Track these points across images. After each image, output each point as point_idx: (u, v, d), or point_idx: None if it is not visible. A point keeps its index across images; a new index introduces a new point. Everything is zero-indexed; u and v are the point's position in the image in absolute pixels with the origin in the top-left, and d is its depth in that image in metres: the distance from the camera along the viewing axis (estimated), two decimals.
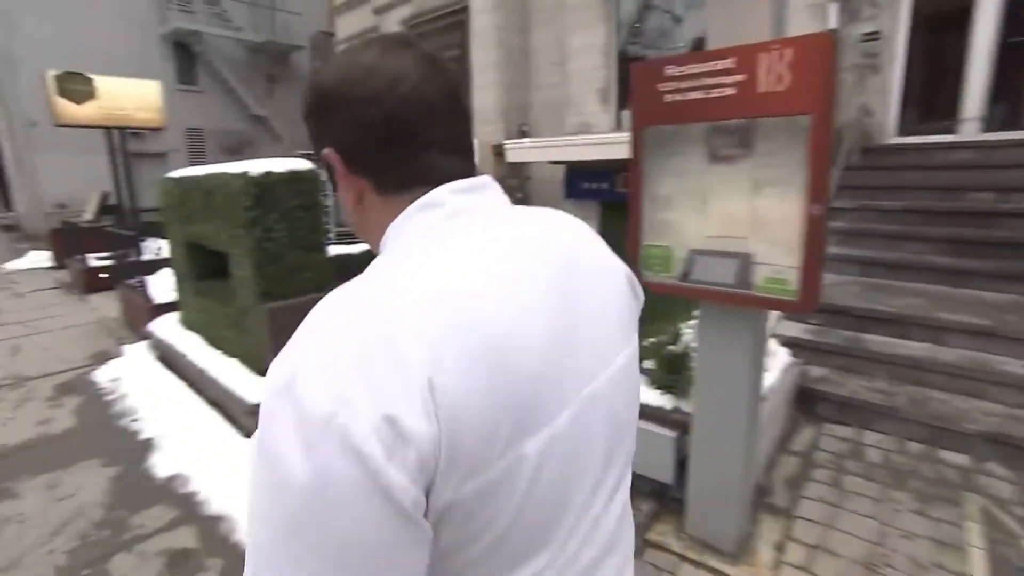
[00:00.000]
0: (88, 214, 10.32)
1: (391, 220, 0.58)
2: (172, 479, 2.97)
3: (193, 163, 12.90)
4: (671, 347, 2.80)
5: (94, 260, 8.17)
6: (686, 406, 2.61)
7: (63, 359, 5.10)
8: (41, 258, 10.87)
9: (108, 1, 13.30)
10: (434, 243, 0.54)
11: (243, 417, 3.25)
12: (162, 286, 5.39)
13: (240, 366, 3.68)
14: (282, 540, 0.42)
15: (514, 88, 8.33)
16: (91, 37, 12.78)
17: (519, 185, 8.47)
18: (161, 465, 3.10)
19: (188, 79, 14.87)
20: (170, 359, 4.42)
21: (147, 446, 3.33)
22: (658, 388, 2.78)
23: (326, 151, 0.60)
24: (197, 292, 4.28)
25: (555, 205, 8.18)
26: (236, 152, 15.31)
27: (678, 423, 2.54)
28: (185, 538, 2.54)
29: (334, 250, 4.36)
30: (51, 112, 8.63)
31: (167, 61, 14.40)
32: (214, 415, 3.51)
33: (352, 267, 5.82)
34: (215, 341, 4.08)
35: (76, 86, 8.55)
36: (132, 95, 9.07)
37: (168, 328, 4.66)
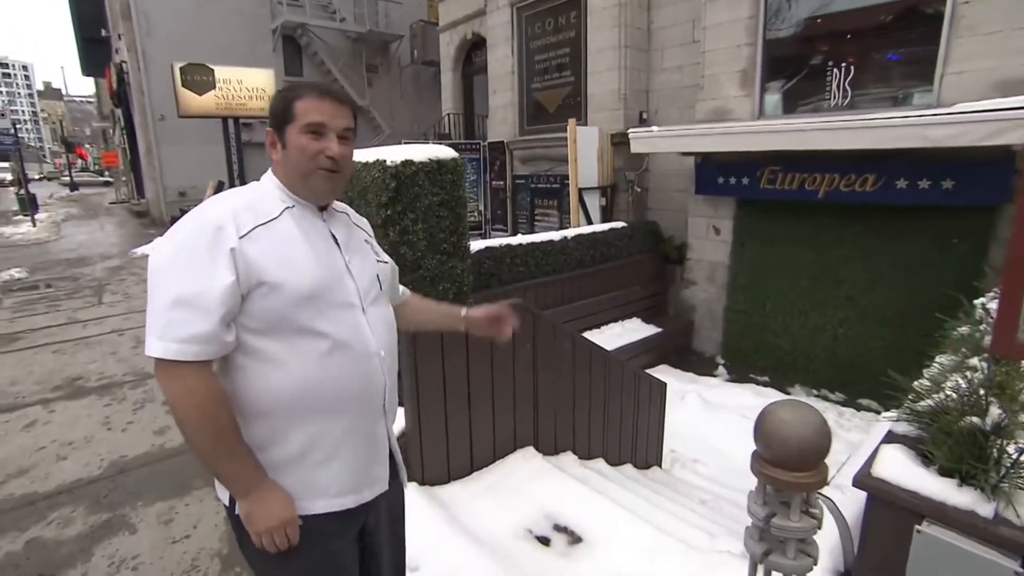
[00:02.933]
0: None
1: None
2: None
3: None
4: (973, 420, 1.91)
5: None
6: (1012, 514, 1.73)
7: None
8: None
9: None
10: None
11: None
12: None
13: None
14: None
15: (634, 72, 7.44)
16: (210, 34, 13.08)
17: (637, 178, 7.60)
18: None
19: (295, 71, 15.02)
20: None
21: None
22: (945, 474, 1.91)
23: None
24: None
25: (680, 200, 7.23)
26: None
27: (1011, 543, 1.67)
28: None
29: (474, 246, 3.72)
30: (176, 104, 8.72)
31: (277, 54, 14.58)
32: None
33: (496, 272, 5.26)
34: None
35: (198, 76, 8.58)
36: (247, 85, 9.02)
37: None
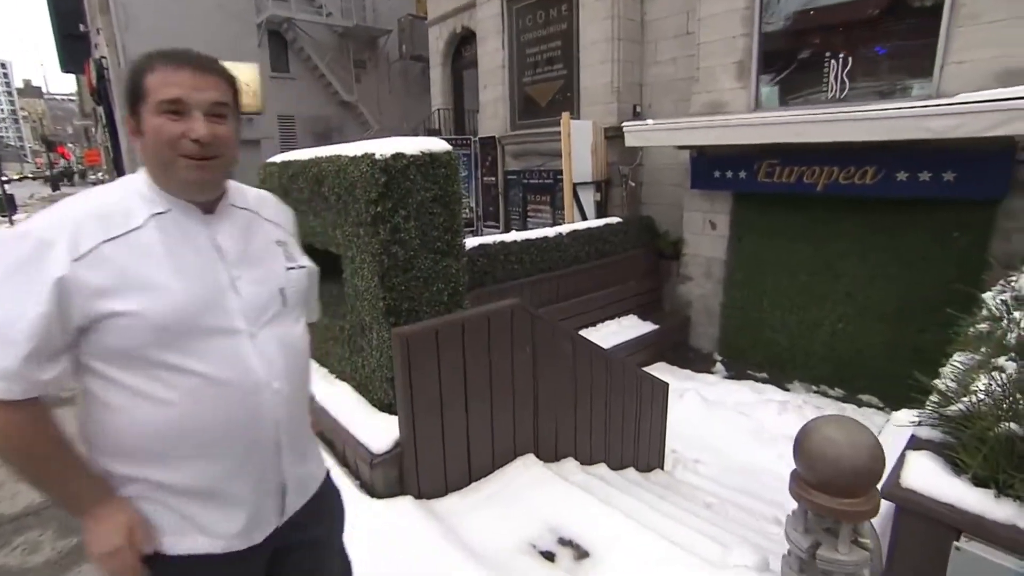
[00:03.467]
0: None
1: None
2: None
3: (285, 150, 12.69)
4: (1011, 426, 1.78)
5: None
6: None
7: None
8: None
9: None
10: None
11: (364, 467, 2.53)
12: None
13: (353, 394, 2.98)
14: None
15: (627, 65, 7.29)
16: (192, 28, 12.72)
17: (631, 173, 7.46)
18: None
19: (281, 66, 14.71)
20: None
21: None
22: (979, 484, 1.79)
23: None
24: None
25: (675, 194, 7.10)
26: (324, 138, 15.08)
27: None
28: None
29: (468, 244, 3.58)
30: None
31: (262, 49, 14.26)
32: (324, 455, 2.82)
33: (489, 269, 5.10)
34: (319, 356, 3.41)
35: None
36: None
37: None
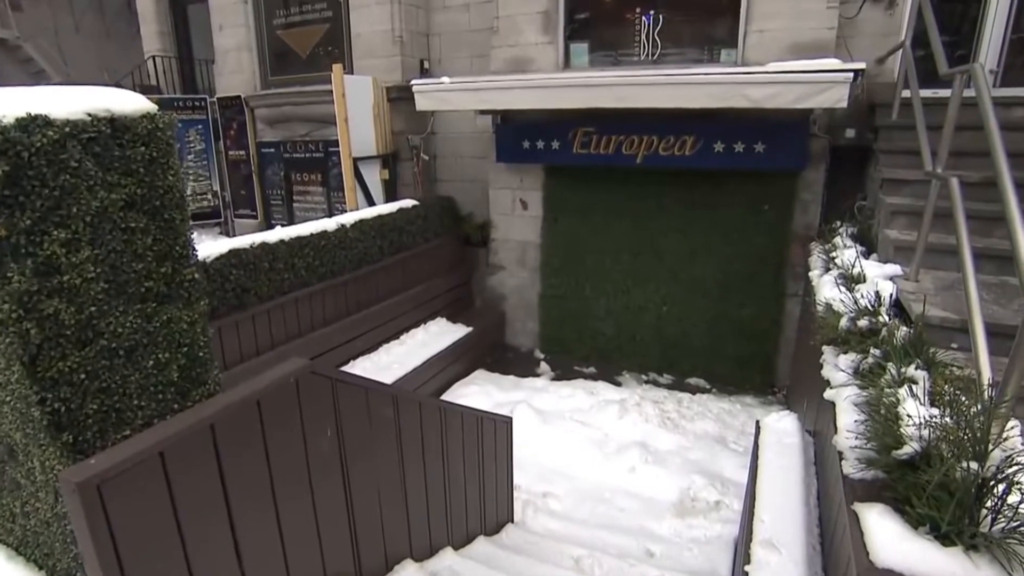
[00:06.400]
0: None
1: None
2: None
3: None
4: (974, 467, 1.56)
5: None
6: None
7: None
8: None
9: None
10: None
11: None
12: None
13: (7, 565, 1.79)
14: None
15: (411, 9, 6.52)
16: None
17: (423, 144, 6.76)
18: None
19: None
20: None
21: None
22: (940, 537, 1.54)
23: None
24: None
25: (477, 169, 6.56)
26: None
27: None
28: None
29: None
30: None
31: None
32: None
33: (250, 285, 3.85)
34: None
35: None
36: None
37: None
